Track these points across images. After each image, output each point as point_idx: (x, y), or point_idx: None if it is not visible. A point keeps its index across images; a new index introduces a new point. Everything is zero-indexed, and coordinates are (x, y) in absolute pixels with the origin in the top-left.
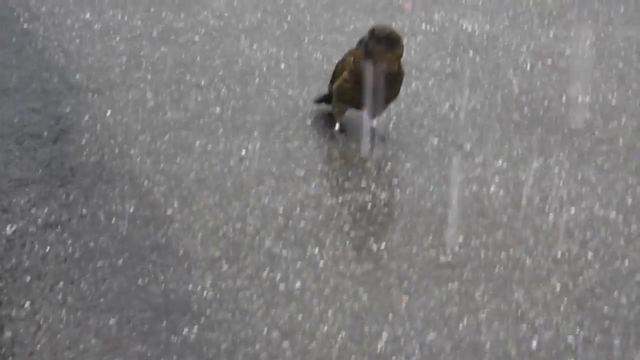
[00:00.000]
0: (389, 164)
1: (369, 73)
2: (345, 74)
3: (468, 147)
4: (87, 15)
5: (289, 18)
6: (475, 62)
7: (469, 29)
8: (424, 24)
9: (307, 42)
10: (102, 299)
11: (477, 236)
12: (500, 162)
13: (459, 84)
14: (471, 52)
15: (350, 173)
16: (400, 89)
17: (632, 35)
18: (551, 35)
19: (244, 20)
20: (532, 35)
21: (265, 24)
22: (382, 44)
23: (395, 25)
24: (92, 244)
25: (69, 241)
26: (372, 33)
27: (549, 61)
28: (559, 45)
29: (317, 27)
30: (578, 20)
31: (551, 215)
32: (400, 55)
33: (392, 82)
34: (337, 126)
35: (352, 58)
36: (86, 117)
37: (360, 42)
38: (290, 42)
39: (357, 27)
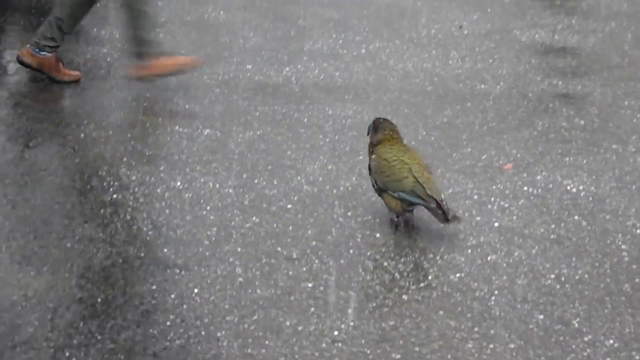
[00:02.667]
0: (491, 345)
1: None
2: None
3: (576, 324)
4: (178, 184)
5: None
6: (581, 227)
7: (574, 191)
8: (526, 187)
9: None
10: None
11: None
12: (611, 341)
13: (565, 251)
14: (576, 216)
15: (449, 356)
16: (375, 180)
17: None
18: None
19: (338, 186)
20: None
21: (361, 189)
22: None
23: (496, 187)
24: None
25: None
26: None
27: None
28: None
29: None
30: None
31: None
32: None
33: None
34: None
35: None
36: (172, 296)
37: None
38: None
39: (455, 190)
